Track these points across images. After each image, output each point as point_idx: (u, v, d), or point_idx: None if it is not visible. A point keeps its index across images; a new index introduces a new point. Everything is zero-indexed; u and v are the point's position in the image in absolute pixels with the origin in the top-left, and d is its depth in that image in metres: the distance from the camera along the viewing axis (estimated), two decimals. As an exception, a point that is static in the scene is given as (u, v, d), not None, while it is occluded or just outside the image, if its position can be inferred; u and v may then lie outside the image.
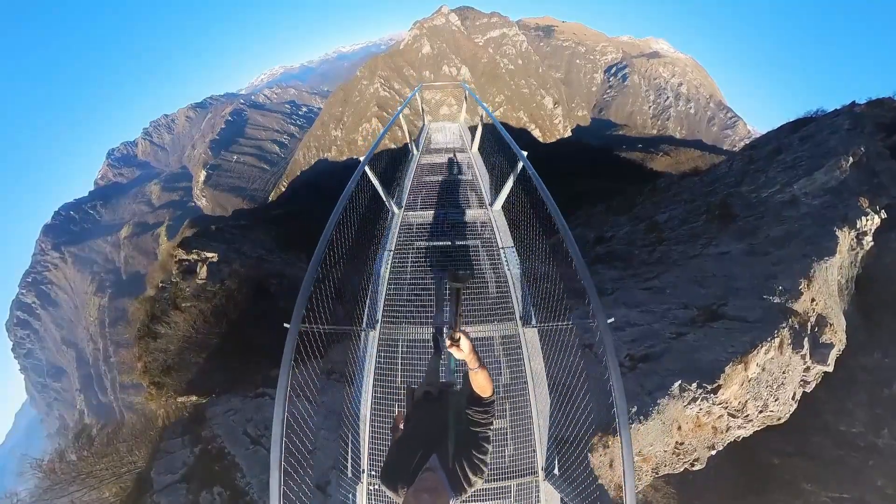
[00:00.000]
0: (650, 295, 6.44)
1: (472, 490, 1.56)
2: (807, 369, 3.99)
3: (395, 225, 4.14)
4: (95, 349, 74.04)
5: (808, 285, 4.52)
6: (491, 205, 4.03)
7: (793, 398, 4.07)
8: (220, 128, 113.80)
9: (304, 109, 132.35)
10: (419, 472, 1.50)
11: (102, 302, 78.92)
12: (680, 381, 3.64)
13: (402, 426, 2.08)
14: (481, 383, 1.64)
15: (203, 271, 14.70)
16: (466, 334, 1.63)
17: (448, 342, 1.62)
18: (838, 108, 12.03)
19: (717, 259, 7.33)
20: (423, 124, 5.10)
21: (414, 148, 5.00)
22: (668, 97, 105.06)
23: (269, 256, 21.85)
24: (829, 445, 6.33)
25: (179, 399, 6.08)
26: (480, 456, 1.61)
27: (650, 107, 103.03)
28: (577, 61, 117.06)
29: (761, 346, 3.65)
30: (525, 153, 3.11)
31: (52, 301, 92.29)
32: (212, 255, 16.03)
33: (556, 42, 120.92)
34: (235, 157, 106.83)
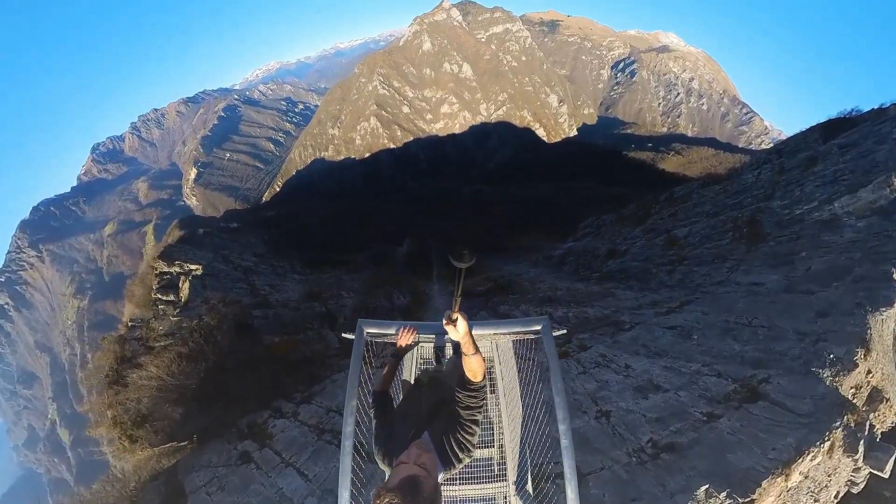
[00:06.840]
0: (674, 339, 5.69)
1: (461, 466, 1.67)
2: (857, 470, 3.31)
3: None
4: (72, 354, 68.26)
5: (864, 355, 3.79)
6: None
7: (835, 497, 3.41)
8: (212, 124, 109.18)
9: (301, 106, 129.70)
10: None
11: (82, 304, 73.31)
12: (707, 486, 3.02)
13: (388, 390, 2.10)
14: (473, 367, 1.68)
15: (185, 287, 13.65)
16: (465, 316, 1.62)
17: (445, 321, 1.63)
18: (879, 106, 10.84)
19: (748, 293, 6.51)
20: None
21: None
22: (678, 93, 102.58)
23: (259, 265, 20.90)
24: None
25: (155, 449, 5.59)
26: (467, 436, 1.68)
27: (660, 103, 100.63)
28: (583, 57, 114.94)
29: (808, 453, 2.99)
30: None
31: (26, 303, 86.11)
32: (196, 268, 14.87)
33: (561, 37, 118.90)
34: (228, 155, 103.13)
